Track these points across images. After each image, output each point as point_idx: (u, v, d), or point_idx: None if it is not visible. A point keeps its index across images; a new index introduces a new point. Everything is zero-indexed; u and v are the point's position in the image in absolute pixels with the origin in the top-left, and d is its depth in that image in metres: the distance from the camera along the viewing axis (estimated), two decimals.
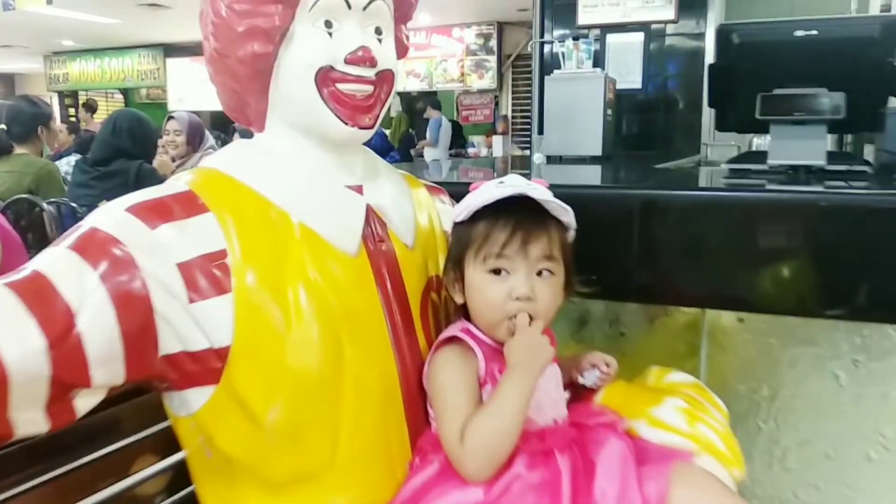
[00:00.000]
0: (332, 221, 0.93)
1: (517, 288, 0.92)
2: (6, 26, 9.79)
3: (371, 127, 0.96)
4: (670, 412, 1.01)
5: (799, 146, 1.66)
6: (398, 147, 8.88)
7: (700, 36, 4.11)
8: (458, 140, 8.65)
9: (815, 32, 1.70)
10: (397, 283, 0.98)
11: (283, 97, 0.94)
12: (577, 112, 2.81)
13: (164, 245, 0.83)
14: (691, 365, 1.40)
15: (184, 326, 0.83)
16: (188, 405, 0.88)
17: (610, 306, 1.48)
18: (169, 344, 0.83)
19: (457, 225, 0.99)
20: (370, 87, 0.94)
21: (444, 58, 9.98)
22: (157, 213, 0.85)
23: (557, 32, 4.18)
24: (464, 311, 0.99)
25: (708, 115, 3.92)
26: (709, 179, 1.70)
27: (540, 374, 0.89)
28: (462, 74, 9.84)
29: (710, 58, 4.05)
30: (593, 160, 2.84)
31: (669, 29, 4.10)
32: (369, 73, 0.93)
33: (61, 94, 13.43)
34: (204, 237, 0.86)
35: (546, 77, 2.88)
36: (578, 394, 1.11)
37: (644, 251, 1.29)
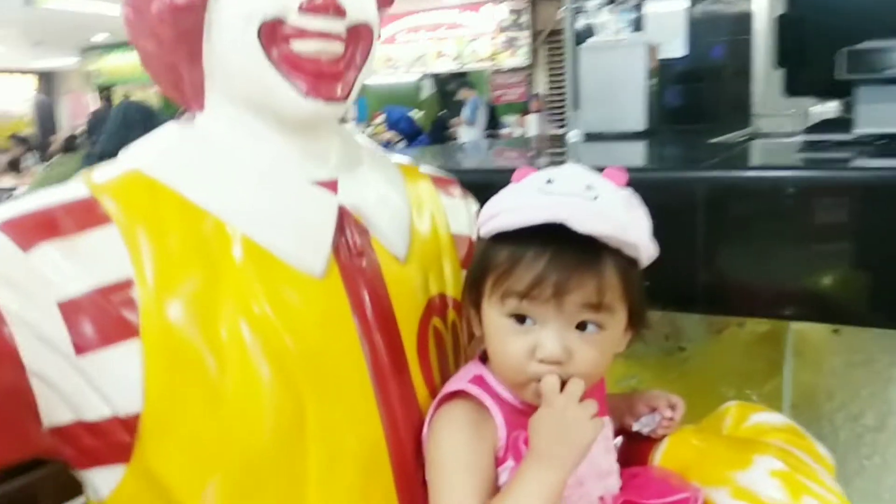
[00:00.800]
0: (289, 231, 0.69)
1: (543, 347, 0.67)
2: (35, 22, 9.73)
3: (342, 99, 0.70)
4: (763, 478, 0.74)
5: (893, 111, 1.36)
6: (429, 131, 8.61)
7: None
8: (491, 121, 8.35)
9: None
10: (383, 310, 0.73)
11: (221, 64, 0.69)
12: (616, 84, 2.50)
13: (40, 275, 0.59)
14: (771, 388, 1.12)
15: (72, 388, 0.61)
16: (95, 489, 0.66)
17: (667, 315, 1.20)
18: (56, 412, 0.62)
19: (479, 238, 0.74)
20: (339, 47, 0.69)
21: (474, 36, 9.68)
22: (36, 229, 0.62)
23: (593, 3, 3.85)
24: (483, 348, 0.73)
25: (761, 82, 3.57)
26: (786, 156, 1.40)
27: (575, 464, 0.63)
28: (493, 53, 9.53)
29: (760, 20, 3.70)
30: (636, 136, 2.53)
31: None
32: (337, 26, 0.68)
33: (99, 88, 13.43)
34: (101, 261, 0.62)
35: (580, 46, 2.57)
36: (632, 444, 0.84)
37: (712, 248, 1.02)
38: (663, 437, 0.82)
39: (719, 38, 3.77)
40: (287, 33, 0.67)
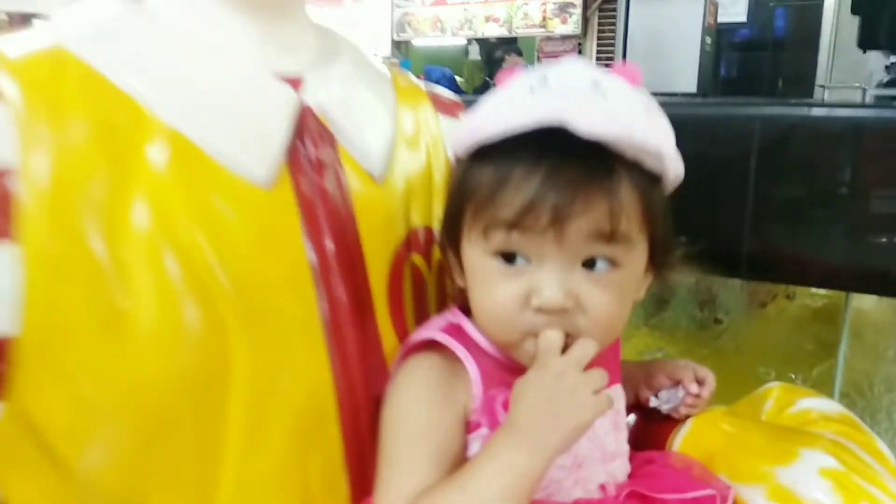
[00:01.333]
0: (231, 125, 0.55)
1: (540, 292, 0.52)
2: None
3: None
4: (810, 477, 0.59)
5: None
6: (472, 94, 8.40)
7: None
8: None
9: None
10: (346, 236, 0.59)
11: None
12: (669, 39, 2.31)
13: None
14: (820, 373, 0.96)
15: None
16: None
17: (703, 282, 1.04)
18: None
19: (458, 161, 0.59)
20: None
21: (525, 1, 9.41)
22: None
23: None
24: (465, 297, 0.59)
25: (827, 55, 3.32)
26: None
27: (560, 450, 0.49)
28: (544, 19, 9.25)
29: None
30: (686, 98, 2.34)
31: None
32: None
33: None
34: None
35: None
36: (648, 423, 0.69)
37: (761, 202, 0.85)
38: (686, 417, 0.67)
39: (784, 4, 3.52)
40: None
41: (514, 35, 9.45)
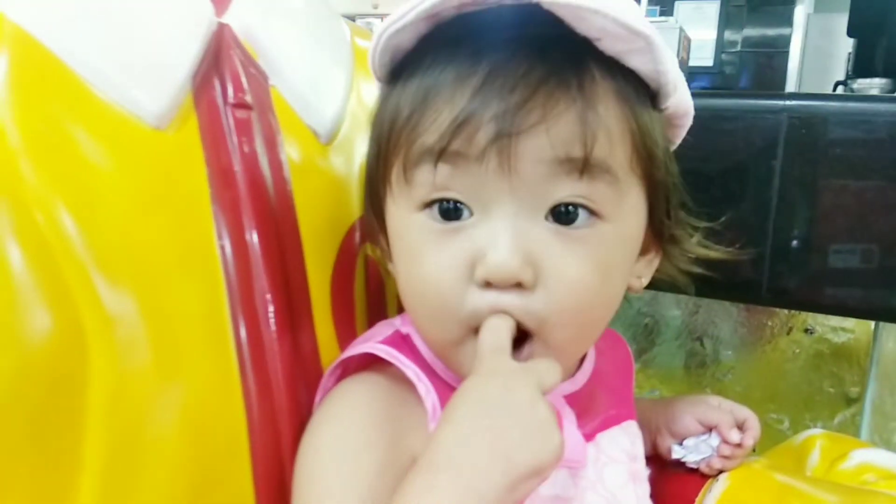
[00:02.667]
0: (115, 38, 0.38)
1: (488, 250, 0.36)
2: None
3: None
4: None
5: None
6: None
7: (786, 16, 3.49)
8: None
9: None
10: (277, 213, 0.43)
11: None
12: None
13: None
14: (843, 422, 0.82)
15: None
16: None
17: (701, 309, 0.89)
18: None
19: (382, 88, 0.42)
20: None
21: None
22: None
23: None
24: None
25: None
26: None
27: (514, 499, 0.31)
28: None
29: (797, 43, 3.45)
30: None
31: (751, 1, 3.51)
32: None
33: None
34: None
35: None
36: (669, 477, 0.54)
37: (780, 214, 0.72)
38: (720, 472, 0.51)
39: (751, 53, 3.51)
40: None
41: None
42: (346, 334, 0.46)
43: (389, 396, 0.40)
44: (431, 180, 0.36)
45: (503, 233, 0.35)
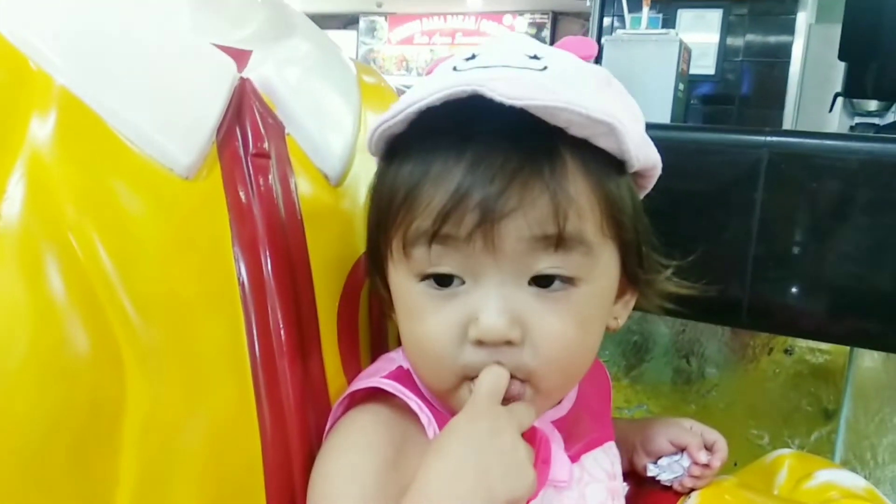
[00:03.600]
0: (150, 97, 0.43)
1: (476, 318, 0.41)
2: None
3: None
4: None
5: None
6: None
7: (788, 26, 3.52)
8: None
9: None
10: (291, 250, 0.47)
11: None
12: (641, 82, 2.25)
13: None
14: (819, 440, 0.86)
15: None
16: None
17: (687, 329, 0.94)
18: None
19: (378, 163, 0.47)
20: None
21: None
22: None
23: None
24: None
25: (792, 111, 3.34)
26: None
27: None
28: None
29: (797, 52, 3.48)
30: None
31: (753, 10, 3.54)
32: None
33: None
34: None
35: (606, 38, 2.33)
36: (645, 493, 0.58)
37: (762, 240, 0.76)
38: (691, 490, 0.56)
39: (752, 62, 3.54)
40: None
41: None
42: (351, 362, 0.50)
43: (394, 426, 0.44)
44: (427, 257, 0.41)
45: (491, 299, 0.40)
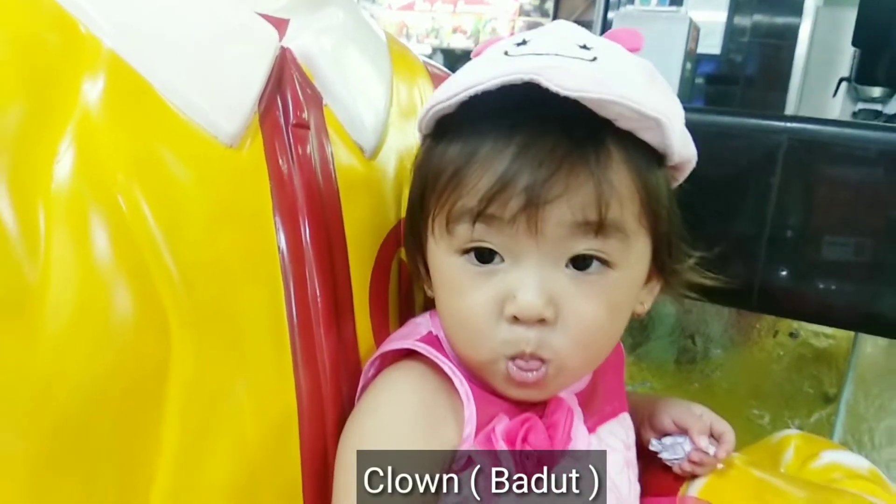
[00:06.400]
0: (196, 64, 0.43)
1: (514, 296, 0.42)
2: None
3: None
4: None
5: None
6: None
7: (796, 8, 3.50)
8: None
9: None
10: (325, 214, 0.48)
11: None
12: (649, 59, 2.22)
13: None
14: (818, 421, 0.88)
15: None
16: None
17: (693, 309, 0.95)
18: None
19: (424, 140, 0.48)
20: None
21: (493, 16, 9.42)
22: None
23: None
24: None
25: (796, 94, 3.34)
26: None
27: None
28: (512, 34, 9.26)
29: (804, 35, 3.46)
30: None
31: None
32: None
33: None
34: None
35: (615, 13, 2.32)
36: (652, 465, 0.59)
37: (774, 228, 0.77)
38: (690, 476, 0.57)
39: (758, 43, 3.53)
40: None
41: None
42: (381, 329, 0.51)
43: (426, 387, 0.46)
44: (469, 234, 0.42)
45: (530, 278, 0.41)
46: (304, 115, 0.48)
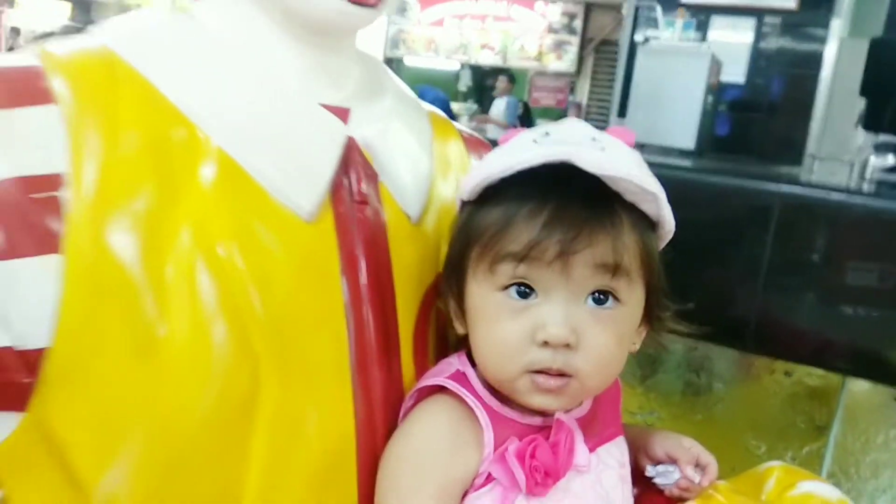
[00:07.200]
0: (281, 153, 0.54)
1: (548, 324, 0.52)
2: None
3: (374, 4, 0.55)
4: None
5: None
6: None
7: (821, 37, 3.56)
8: (527, 121, 8.16)
9: None
10: (380, 274, 0.58)
11: None
12: (671, 93, 2.34)
13: None
14: (810, 452, 0.97)
15: None
16: None
17: (699, 347, 1.04)
18: None
19: (464, 205, 0.59)
20: None
21: (521, 33, 9.51)
22: None
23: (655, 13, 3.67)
24: (467, 343, 0.59)
25: (818, 124, 3.40)
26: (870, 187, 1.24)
27: None
28: (540, 53, 9.36)
29: (828, 65, 3.53)
30: (681, 153, 2.36)
31: (786, 21, 3.58)
32: None
33: None
34: (29, 145, 0.48)
35: (639, 47, 2.41)
36: (646, 490, 0.69)
37: (770, 278, 0.86)
38: (680, 500, 0.66)
39: (783, 72, 3.60)
40: None
41: (507, 66, 9.52)
42: (422, 365, 0.61)
43: (453, 417, 0.56)
44: (512, 273, 0.52)
45: (558, 312, 0.52)
46: (365, 192, 0.58)
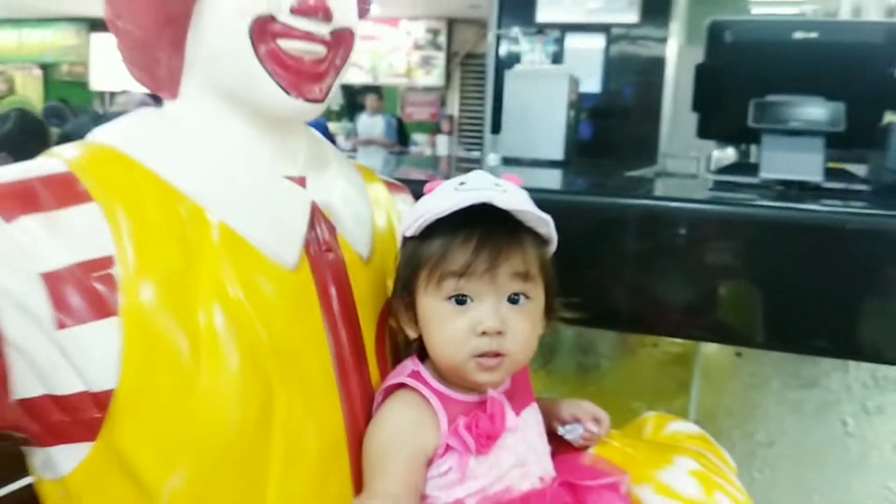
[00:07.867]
0: (265, 221, 0.71)
1: (484, 320, 0.72)
2: None
3: (321, 100, 0.73)
4: (682, 477, 0.81)
5: (794, 160, 1.50)
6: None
7: (662, 41, 3.98)
8: (402, 137, 8.36)
9: (815, 35, 1.54)
10: (347, 304, 0.76)
11: (206, 54, 0.70)
12: (537, 111, 2.61)
13: (23, 246, 0.59)
14: (679, 406, 1.22)
15: (48, 361, 0.61)
16: (55, 467, 0.65)
17: (585, 333, 1.28)
18: (27, 385, 0.61)
19: (407, 240, 0.77)
20: (322, 49, 0.71)
21: (389, 51, 9.69)
22: (17, 202, 0.61)
23: (515, 31, 3.97)
24: (418, 346, 0.79)
25: (667, 124, 3.79)
26: (702, 192, 1.52)
27: None
28: (408, 69, 9.58)
29: (671, 67, 3.93)
30: (552, 164, 2.64)
31: (631, 33, 3.96)
32: (322, 29, 0.71)
33: None
34: (83, 237, 0.63)
35: (507, 71, 2.67)
36: (558, 446, 0.90)
37: (634, 273, 1.10)
38: (586, 447, 0.88)
39: (632, 79, 3.99)
40: (276, 31, 0.68)
41: (378, 83, 9.72)
42: (384, 370, 0.79)
43: (415, 409, 0.74)
44: (454, 286, 0.72)
45: (490, 310, 0.72)
46: (328, 242, 0.76)
